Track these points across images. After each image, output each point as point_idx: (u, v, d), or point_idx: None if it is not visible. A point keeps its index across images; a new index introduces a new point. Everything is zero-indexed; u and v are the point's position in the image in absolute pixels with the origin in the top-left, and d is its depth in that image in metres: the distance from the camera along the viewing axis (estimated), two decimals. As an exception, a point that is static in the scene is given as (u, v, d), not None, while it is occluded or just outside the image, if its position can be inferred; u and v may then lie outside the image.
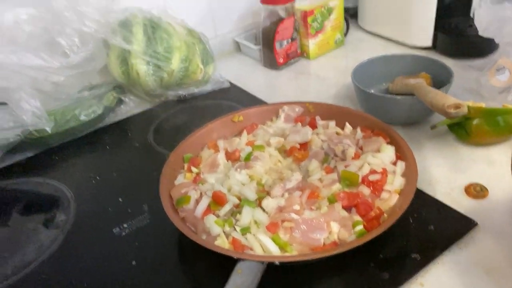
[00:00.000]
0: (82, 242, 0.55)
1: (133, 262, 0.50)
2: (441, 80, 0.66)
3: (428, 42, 0.86)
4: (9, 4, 0.69)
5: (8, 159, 0.70)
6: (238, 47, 1.01)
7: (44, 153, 0.71)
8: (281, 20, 0.85)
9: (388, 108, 0.64)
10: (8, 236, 0.59)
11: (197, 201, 0.50)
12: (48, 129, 0.68)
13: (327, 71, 0.88)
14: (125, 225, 0.55)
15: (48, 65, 0.62)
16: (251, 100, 0.79)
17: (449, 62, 0.75)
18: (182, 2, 0.88)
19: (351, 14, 1.03)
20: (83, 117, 0.72)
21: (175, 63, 0.75)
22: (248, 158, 0.56)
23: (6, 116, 0.60)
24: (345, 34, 0.98)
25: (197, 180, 0.55)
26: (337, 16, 0.92)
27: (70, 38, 0.66)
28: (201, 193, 0.51)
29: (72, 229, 0.57)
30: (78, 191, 0.63)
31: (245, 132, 0.62)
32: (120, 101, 0.78)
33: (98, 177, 0.65)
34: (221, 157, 0.57)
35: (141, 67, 0.73)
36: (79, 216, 0.59)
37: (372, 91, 0.72)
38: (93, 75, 0.73)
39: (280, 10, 0.85)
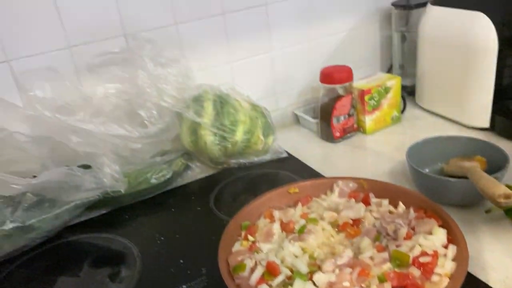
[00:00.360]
0: (144, 299, 0.59)
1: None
2: (497, 164, 0.67)
3: (486, 124, 0.87)
4: (101, 80, 0.80)
5: (84, 215, 0.77)
6: (297, 119, 1.07)
7: (116, 211, 0.79)
8: (339, 97, 0.91)
9: (442, 189, 0.66)
10: (77, 287, 0.65)
11: (252, 270, 0.54)
12: (122, 190, 0.75)
13: (382, 147, 0.91)
14: (184, 286, 0.59)
15: (129, 134, 0.71)
16: (307, 171, 0.83)
17: (507, 145, 0.76)
18: (248, 79, 0.97)
19: (408, 92, 1.07)
20: (153, 180, 0.79)
21: (239, 135, 0.81)
22: (301, 230, 0.59)
23: (90, 178, 0.68)
24: (402, 111, 1.01)
25: (253, 248, 0.58)
26: (394, 94, 0.96)
27: (150, 111, 0.75)
28: (256, 262, 0.55)
29: (136, 285, 0.62)
30: (144, 249, 0.68)
31: (299, 205, 0.65)
32: (187, 167, 0.85)
33: (162, 237, 0.70)
34: (276, 227, 0.61)
35: (209, 138, 0.80)
36: (143, 273, 0.64)
37: (427, 170, 0.74)
38: (165, 143, 0.81)
39: (339, 88, 0.91)
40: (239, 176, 0.85)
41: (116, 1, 0.80)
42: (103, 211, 0.79)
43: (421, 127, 0.96)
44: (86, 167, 0.71)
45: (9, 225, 0.66)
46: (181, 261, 0.64)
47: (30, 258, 0.70)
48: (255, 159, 0.86)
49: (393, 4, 1.07)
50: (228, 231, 0.60)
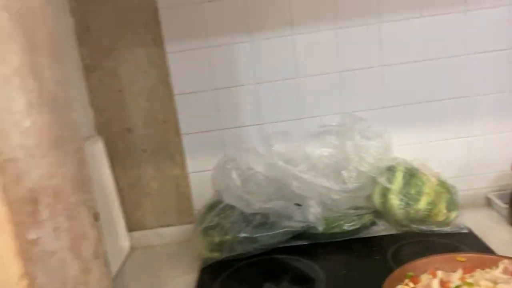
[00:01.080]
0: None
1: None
2: None
3: None
4: (319, 144, 1.07)
5: (290, 242, 1.03)
6: (489, 202, 1.12)
7: (313, 244, 1.02)
8: (531, 187, 0.95)
9: None
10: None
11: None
12: (320, 229, 0.99)
13: None
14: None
15: (332, 187, 0.94)
16: (483, 249, 0.91)
17: None
18: (444, 158, 1.10)
19: None
20: (345, 227, 1.00)
21: (422, 204, 0.96)
22: (456, 289, 0.71)
23: (300, 213, 0.94)
24: None
25: (411, 294, 0.73)
26: None
27: (350, 173, 0.98)
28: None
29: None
30: (329, 276, 0.89)
31: (460, 270, 0.76)
32: (374, 223, 1.03)
33: (344, 271, 0.90)
34: (435, 282, 0.74)
35: (395, 202, 0.97)
36: (324, 292, 0.84)
37: None
38: (359, 199, 1.02)
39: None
40: (418, 240, 0.98)
41: (340, 91, 1.07)
42: (304, 243, 1.03)
43: None
44: (298, 205, 0.97)
45: (242, 235, 0.96)
46: (353, 289, 0.83)
47: (249, 263, 0.99)
48: (435, 228, 0.98)
49: None
50: (393, 276, 0.76)
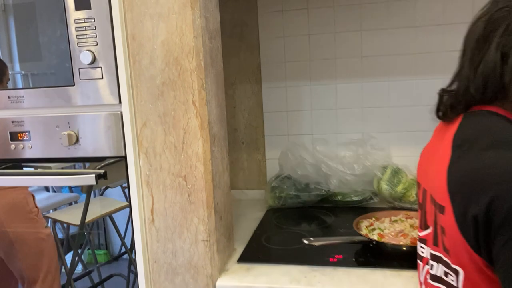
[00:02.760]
0: None
1: None
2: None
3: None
4: (346, 149, 1.78)
5: (320, 204, 1.74)
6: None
7: (333, 207, 1.72)
8: None
9: None
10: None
11: (364, 222, 1.37)
12: (339, 198, 1.69)
13: None
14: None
15: (346, 171, 1.65)
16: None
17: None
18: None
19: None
20: (354, 198, 1.69)
21: (399, 189, 1.62)
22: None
23: (325, 185, 1.66)
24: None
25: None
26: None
27: (359, 166, 1.68)
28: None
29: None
30: (339, 223, 1.59)
31: (389, 218, 1.43)
32: (371, 198, 1.70)
33: (348, 221, 1.59)
34: (386, 220, 1.41)
35: (384, 186, 1.65)
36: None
37: None
38: (364, 182, 1.70)
39: None
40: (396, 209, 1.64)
41: (362, 119, 1.78)
42: (329, 205, 1.73)
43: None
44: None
45: (291, 193, 1.70)
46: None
47: (295, 210, 1.71)
48: (408, 205, 1.63)
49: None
50: (364, 215, 1.44)
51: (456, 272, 0.74)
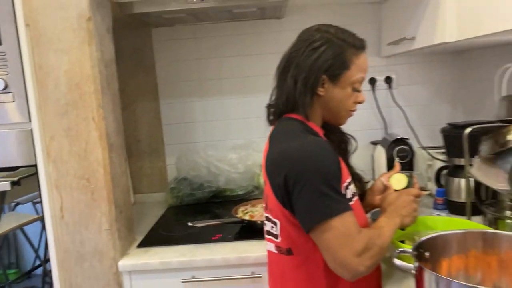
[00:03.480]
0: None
1: None
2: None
3: None
4: (232, 152, 2.15)
5: (212, 199, 2.08)
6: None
7: (222, 201, 2.07)
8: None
9: None
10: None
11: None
12: (228, 193, 2.04)
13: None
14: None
15: (231, 170, 2.01)
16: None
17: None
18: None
19: None
20: (239, 192, 2.05)
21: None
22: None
23: (215, 182, 2.01)
24: None
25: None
26: None
27: (242, 165, 2.05)
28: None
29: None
30: (227, 212, 1.94)
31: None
32: (253, 191, 2.08)
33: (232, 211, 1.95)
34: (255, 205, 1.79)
35: (262, 181, 2.03)
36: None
37: None
38: (247, 179, 2.08)
39: None
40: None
41: (244, 127, 2.16)
42: (219, 200, 2.07)
43: None
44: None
45: (187, 191, 2.02)
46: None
47: (191, 206, 2.03)
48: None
49: None
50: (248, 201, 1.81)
51: (275, 224, 1.11)
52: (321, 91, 1.11)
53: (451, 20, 1.32)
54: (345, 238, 0.96)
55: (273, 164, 1.07)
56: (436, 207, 1.63)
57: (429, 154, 1.89)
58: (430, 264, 0.97)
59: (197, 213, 1.97)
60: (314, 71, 1.08)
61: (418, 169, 1.95)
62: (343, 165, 1.10)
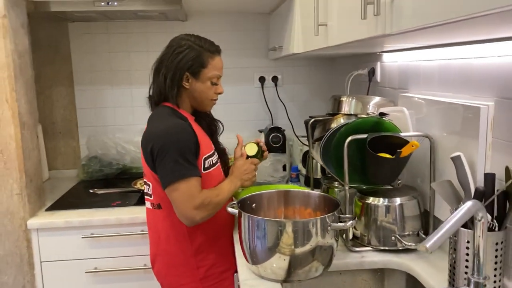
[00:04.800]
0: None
1: None
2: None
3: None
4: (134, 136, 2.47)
5: (121, 175, 2.40)
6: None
7: (129, 177, 2.39)
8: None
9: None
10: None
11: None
12: (134, 171, 2.36)
13: None
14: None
15: (131, 149, 2.34)
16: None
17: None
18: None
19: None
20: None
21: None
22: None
23: (122, 160, 2.32)
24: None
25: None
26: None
27: (136, 146, 2.38)
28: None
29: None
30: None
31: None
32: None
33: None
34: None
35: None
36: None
37: None
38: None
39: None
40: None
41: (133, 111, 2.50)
42: (127, 176, 2.39)
43: None
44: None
45: (96, 168, 2.32)
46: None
47: (100, 181, 2.33)
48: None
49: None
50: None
51: (149, 185, 1.47)
52: (186, 84, 1.47)
53: (298, 34, 1.73)
54: (187, 196, 1.34)
55: (145, 138, 1.43)
56: (291, 180, 2.07)
57: (300, 141, 2.33)
58: (255, 212, 1.37)
59: (104, 187, 2.27)
60: (179, 69, 1.44)
61: (293, 152, 2.39)
62: (205, 141, 1.47)
